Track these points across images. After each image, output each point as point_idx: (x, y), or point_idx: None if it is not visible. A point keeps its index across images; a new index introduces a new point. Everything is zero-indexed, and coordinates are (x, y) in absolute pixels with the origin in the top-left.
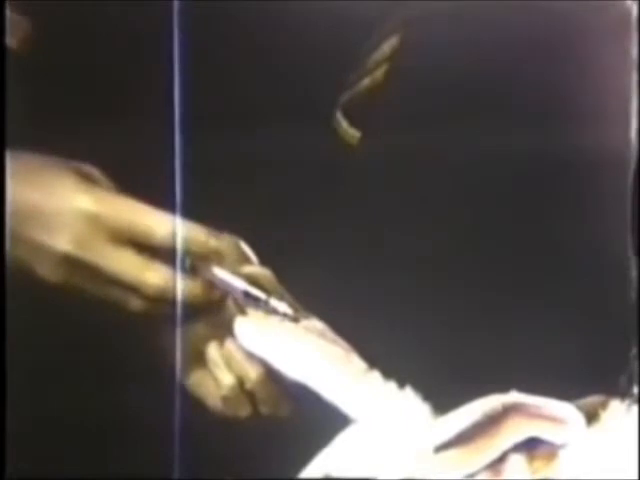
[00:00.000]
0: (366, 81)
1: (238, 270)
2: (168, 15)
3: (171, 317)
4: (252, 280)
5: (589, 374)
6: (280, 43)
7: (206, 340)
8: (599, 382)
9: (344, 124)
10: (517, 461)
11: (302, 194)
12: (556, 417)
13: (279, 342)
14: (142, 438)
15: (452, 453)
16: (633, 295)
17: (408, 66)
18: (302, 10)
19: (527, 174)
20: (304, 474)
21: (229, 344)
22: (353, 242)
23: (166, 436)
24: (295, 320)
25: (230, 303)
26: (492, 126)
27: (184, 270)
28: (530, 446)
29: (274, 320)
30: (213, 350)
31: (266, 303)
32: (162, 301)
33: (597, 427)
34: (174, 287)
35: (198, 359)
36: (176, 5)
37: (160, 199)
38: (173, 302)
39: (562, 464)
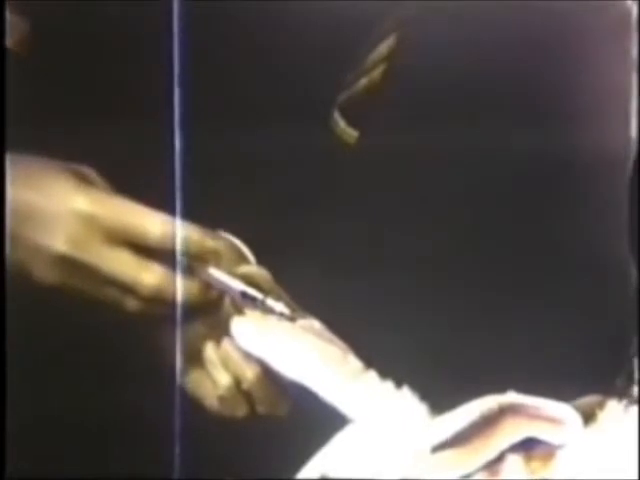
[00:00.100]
0: (364, 81)
1: (235, 270)
2: (168, 15)
3: (169, 317)
4: (249, 280)
5: (589, 374)
6: (279, 43)
7: (203, 340)
8: (599, 382)
9: (342, 124)
10: (514, 461)
11: (302, 194)
12: (553, 417)
13: (276, 342)
14: (142, 438)
15: (449, 453)
16: (632, 295)
17: (405, 66)
18: (301, 10)
19: (527, 174)
20: (301, 474)
21: (226, 344)
22: (352, 241)
23: (166, 436)
24: (292, 320)
25: (227, 303)
26: (492, 126)
27: (181, 270)
28: (527, 446)
29: (271, 320)
30: (210, 350)
31: (263, 303)
32: (158, 301)
33: (594, 427)
34: (170, 287)
35: (195, 359)
36: (176, 5)
37: (160, 199)
38: (169, 302)
39: (559, 464)
